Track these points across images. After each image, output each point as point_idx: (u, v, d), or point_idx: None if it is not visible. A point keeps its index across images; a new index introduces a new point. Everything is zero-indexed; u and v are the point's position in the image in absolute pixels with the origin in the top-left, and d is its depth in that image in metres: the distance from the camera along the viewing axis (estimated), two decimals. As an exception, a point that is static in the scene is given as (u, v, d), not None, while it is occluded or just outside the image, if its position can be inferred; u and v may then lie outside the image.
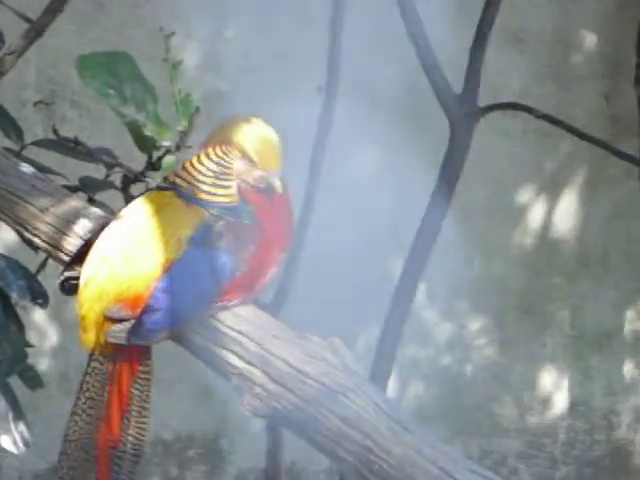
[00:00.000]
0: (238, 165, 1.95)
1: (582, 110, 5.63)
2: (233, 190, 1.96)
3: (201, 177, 1.95)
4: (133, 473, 2.12)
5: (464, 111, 3.56)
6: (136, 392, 2.04)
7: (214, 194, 1.96)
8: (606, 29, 5.77)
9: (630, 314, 6.10)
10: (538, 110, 4.01)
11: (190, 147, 2.39)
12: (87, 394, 2.03)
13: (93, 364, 2.02)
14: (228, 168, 1.96)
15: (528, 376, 5.87)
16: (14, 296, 2.68)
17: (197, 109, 2.48)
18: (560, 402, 5.95)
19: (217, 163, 1.96)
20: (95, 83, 2.43)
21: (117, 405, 2.03)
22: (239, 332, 1.97)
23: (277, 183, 1.95)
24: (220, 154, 1.95)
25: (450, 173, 3.70)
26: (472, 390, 5.66)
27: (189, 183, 1.97)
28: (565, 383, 5.93)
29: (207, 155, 1.97)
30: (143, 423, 2.09)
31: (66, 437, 2.08)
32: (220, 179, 1.96)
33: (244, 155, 1.93)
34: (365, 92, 4.68)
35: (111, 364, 2.00)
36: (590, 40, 5.68)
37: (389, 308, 4.02)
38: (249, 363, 1.94)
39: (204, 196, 1.94)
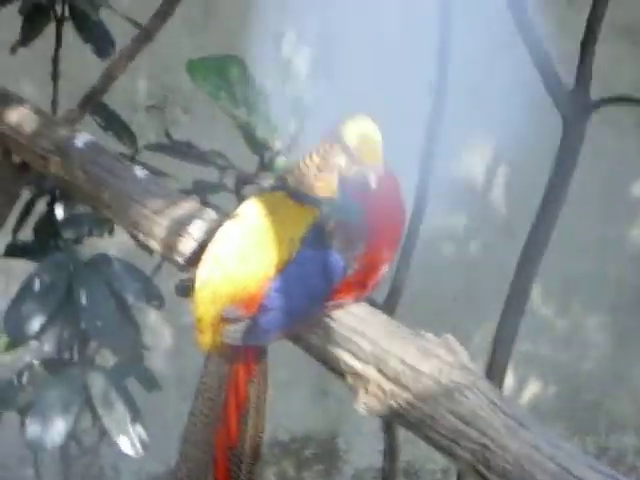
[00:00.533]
0: (339, 160, 1.94)
1: (698, 103, 5.31)
2: (333, 185, 1.96)
3: (307, 172, 1.96)
4: (252, 474, 2.12)
5: (577, 106, 3.53)
6: (253, 392, 2.04)
7: (314, 187, 1.96)
8: None
9: None
10: (651, 103, 3.96)
11: (301, 148, 2.40)
12: (205, 395, 2.03)
13: (210, 365, 2.02)
14: (330, 162, 1.95)
15: (646, 372, 5.79)
16: (130, 298, 2.71)
17: (307, 110, 2.49)
18: (679, 398, 5.81)
19: (321, 158, 1.95)
20: (207, 86, 2.45)
21: (234, 406, 2.04)
22: (353, 331, 1.97)
23: (372, 178, 1.92)
24: (325, 150, 1.95)
25: (563, 169, 3.64)
26: (589, 387, 5.55)
27: (299, 182, 1.97)
28: (683, 379, 5.80)
29: (315, 152, 1.98)
30: (260, 423, 2.10)
31: (184, 439, 2.10)
32: (322, 172, 1.95)
33: (345, 149, 1.92)
34: (475, 89, 4.64)
35: (228, 365, 2.00)
36: None
37: (504, 306, 3.89)
38: (364, 362, 1.94)
39: (307, 191, 1.95)
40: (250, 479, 2.12)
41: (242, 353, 2.01)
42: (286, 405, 4.17)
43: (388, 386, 1.92)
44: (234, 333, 1.94)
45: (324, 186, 1.95)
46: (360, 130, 1.93)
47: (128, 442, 2.76)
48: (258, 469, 2.16)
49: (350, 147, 1.91)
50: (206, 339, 2.00)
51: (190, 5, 2.99)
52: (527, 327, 4.22)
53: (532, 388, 5.04)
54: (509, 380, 4.35)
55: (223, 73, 2.47)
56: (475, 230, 4.75)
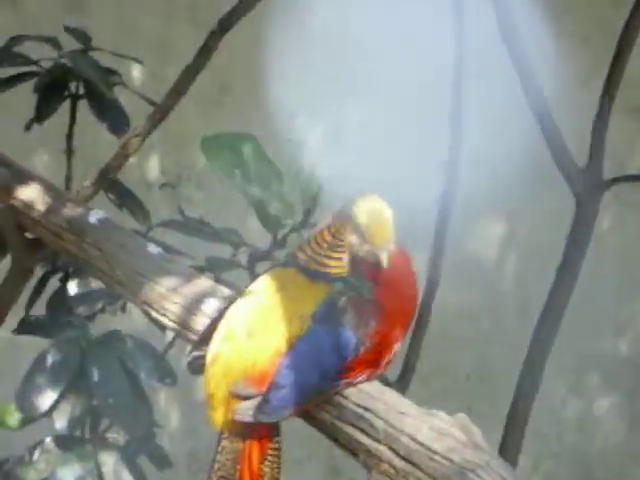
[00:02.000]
0: (350, 239, 1.98)
1: None
2: (345, 262, 1.98)
3: (318, 249, 1.97)
4: None
5: (590, 184, 3.54)
6: (267, 470, 2.04)
7: (326, 265, 1.98)
8: None
9: None
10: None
11: (315, 225, 2.40)
12: (219, 473, 2.04)
13: (223, 442, 2.02)
14: (341, 241, 1.98)
15: (661, 453, 5.72)
16: (142, 376, 2.71)
17: (320, 187, 2.49)
18: (695, 476, 5.72)
19: (333, 236, 1.99)
20: (220, 163, 2.46)
21: (250, 478, 2.04)
22: (365, 409, 1.97)
23: (384, 257, 1.94)
24: (336, 228, 1.99)
25: (576, 247, 3.65)
26: (603, 467, 5.49)
27: (311, 258, 1.98)
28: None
29: (327, 230, 2.00)
30: None
31: None
32: (333, 251, 1.98)
33: (356, 229, 1.95)
34: (488, 166, 4.62)
35: (241, 442, 2.00)
36: None
37: (517, 384, 3.91)
38: (376, 440, 1.94)
39: (319, 268, 1.96)
40: None
41: (255, 430, 2.01)
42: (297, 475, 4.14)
43: (400, 464, 1.92)
44: (246, 410, 1.95)
45: (336, 264, 1.97)
46: (370, 209, 1.97)
47: (136, 515, 2.76)
48: None
49: (361, 226, 1.95)
50: (218, 416, 2.00)
51: (204, 82, 3.00)
52: (541, 405, 4.23)
53: (546, 467, 5.04)
54: (523, 459, 4.35)
55: (236, 150, 2.47)
56: (488, 309, 4.79)
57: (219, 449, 2.03)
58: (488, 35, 3.57)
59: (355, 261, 1.96)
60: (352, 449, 1.99)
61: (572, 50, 4.71)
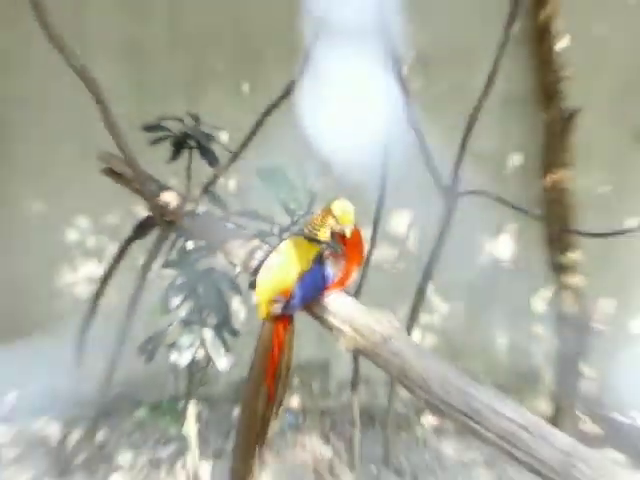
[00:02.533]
0: (330, 221, 2.09)
1: None
2: (327, 234, 2.09)
3: (315, 227, 2.10)
4: (286, 383, 2.21)
5: (450, 195, 3.41)
6: (287, 338, 2.14)
7: (318, 235, 2.10)
8: None
9: None
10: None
11: (312, 213, 2.49)
12: (261, 340, 2.14)
13: (264, 325, 2.13)
14: (325, 222, 2.09)
15: None
16: (223, 289, 2.79)
17: (315, 195, 2.59)
18: None
19: (321, 219, 2.10)
20: (266, 183, 2.55)
21: (278, 345, 2.13)
22: (338, 307, 2.08)
23: (348, 232, 2.06)
24: (324, 215, 2.10)
25: (443, 231, 3.57)
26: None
27: (310, 231, 2.11)
28: None
29: (319, 216, 2.12)
30: (291, 354, 2.19)
31: (251, 365, 2.19)
32: (321, 227, 2.10)
33: (333, 216, 2.07)
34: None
35: (274, 324, 2.12)
36: None
37: (417, 287, 3.76)
38: (342, 321, 2.03)
39: (314, 236, 2.09)
40: (284, 384, 2.21)
41: (282, 318, 2.12)
42: (300, 344, 4.17)
43: (356, 336, 2.01)
44: (277, 308, 2.08)
45: (323, 234, 2.10)
46: (341, 206, 2.09)
47: (223, 363, 2.83)
48: (289, 380, 2.27)
49: (336, 215, 2.08)
50: (262, 311, 2.11)
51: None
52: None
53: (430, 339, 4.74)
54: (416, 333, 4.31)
55: (274, 175, 2.57)
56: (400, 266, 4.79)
57: (262, 329, 2.14)
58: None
59: (333, 233, 2.09)
60: (329, 327, 2.09)
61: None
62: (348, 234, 2.06)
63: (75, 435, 3.91)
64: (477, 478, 3.99)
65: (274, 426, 2.27)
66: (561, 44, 3.89)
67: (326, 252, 2.08)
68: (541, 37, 3.88)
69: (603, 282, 4.33)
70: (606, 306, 4.39)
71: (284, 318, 2.13)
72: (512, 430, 1.70)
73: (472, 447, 4.21)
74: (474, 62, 3.86)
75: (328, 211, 2.09)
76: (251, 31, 3.81)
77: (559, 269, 4.08)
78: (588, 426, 4.46)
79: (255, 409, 2.18)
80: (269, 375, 2.16)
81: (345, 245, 2.11)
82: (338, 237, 2.10)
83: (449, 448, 4.22)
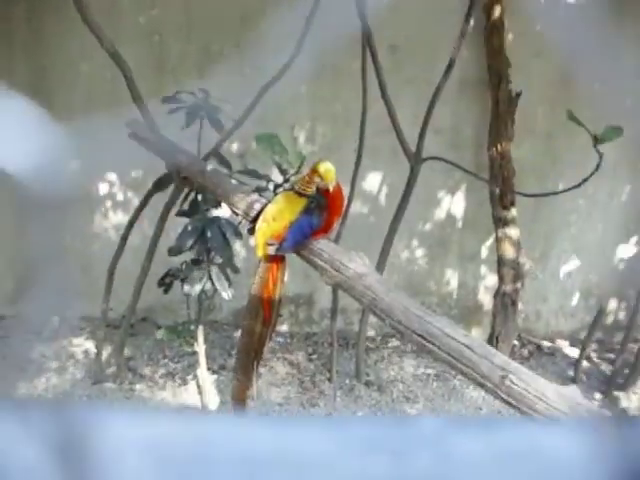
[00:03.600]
0: (316, 178, 2.04)
1: None
2: (313, 189, 2.04)
3: (303, 184, 2.07)
4: (279, 311, 2.25)
5: (415, 160, 3.48)
6: (279, 274, 2.14)
7: (305, 190, 2.05)
8: None
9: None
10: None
11: (302, 173, 2.47)
12: (258, 277, 2.14)
13: (261, 264, 2.13)
14: (312, 180, 2.05)
15: None
16: (228, 234, 2.79)
17: (304, 157, 2.57)
18: None
19: (308, 177, 2.06)
20: (262, 146, 2.52)
21: (272, 280, 2.13)
22: (320, 249, 2.06)
23: (330, 187, 2.02)
24: (310, 174, 2.05)
25: (406, 195, 3.58)
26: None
27: (300, 187, 2.08)
28: None
29: (307, 175, 2.08)
30: (282, 288, 2.19)
31: (249, 296, 2.21)
32: (309, 183, 2.05)
33: (317, 174, 2.04)
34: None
35: (269, 263, 2.12)
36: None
37: (387, 233, 3.73)
38: (324, 262, 2.03)
39: (303, 191, 2.07)
40: (277, 311, 2.23)
41: (276, 258, 2.11)
42: (290, 280, 4.19)
43: (335, 273, 2.00)
44: (272, 250, 2.05)
45: (310, 189, 2.06)
46: (325, 166, 2.04)
47: (226, 294, 2.84)
48: (281, 308, 2.27)
49: (321, 173, 2.03)
50: (259, 252, 2.10)
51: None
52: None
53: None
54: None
55: (270, 140, 2.55)
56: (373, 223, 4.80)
57: (260, 266, 2.14)
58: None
59: (318, 189, 2.07)
60: (315, 265, 2.08)
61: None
62: (331, 189, 2.04)
63: (106, 351, 3.94)
64: (432, 389, 4.05)
65: (268, 345, 2.29)
66: (509, 36, 3.89)
67: (312, 204, 2.06)
68: (493, 30, 3.86)
69: (534, 233, 4.39)
70: (535, 252, 4.44)
71: (277, 258, 2.12)
72: (460, 350, 1.71)
73: (428, 365, 4.26)
74: (436, 50, 3.86)
75: (314, 171, 2.06)
76: (253, 18, 3.75)
77: (500, 223, 4.10)
78: (520, 349, 4.53)
79: (253, 331, 2.19)
80: (265, 304, 2.16)
81: (328, 199, 2.10)
82: (323, 192, 2.08)
83: (409, 366, 4.27)
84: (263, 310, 2.17)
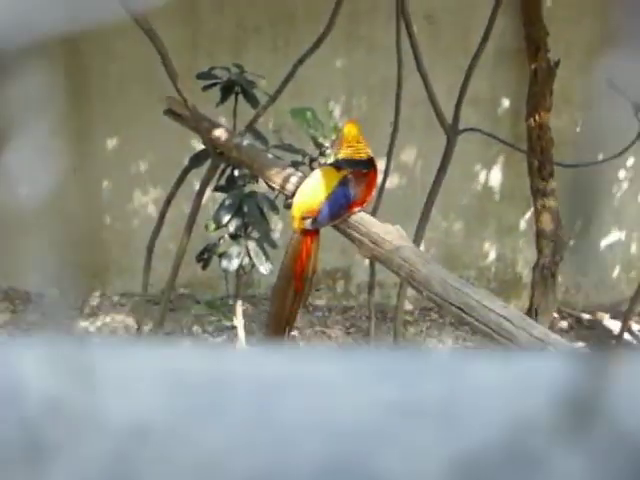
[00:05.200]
0: (344, 146, 2.08)
1: None
2: (343, 152, 2.11)
3: (337, 155, 2.08)
4: (311, 285, 2.28)
5: (452, 131, 3.43)
6: (314, 248, 2.16)
7: (338, 156, 2.09)
8: None
9: None
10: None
11: (336, 146, 2.47)
12: (291, 248, 2.17)
13: (295, 236, 2.15)
14: (340, 145, 2.10)
15: None
16: (265, 209, 2.79)
17: (340, 131, 2.56)
18: None
19: (338, 144, 2.09)
20: (298, 120, 2.52)
21: (306, 253, 2.15)
22: (356, 222, 2.08)
23: (341, 148, 2.13)
24: (337, 138, 2.09)
25: (444, 164, 3.40)
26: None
27: (336, 161, 2.09)
28: None
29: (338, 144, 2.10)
30: (316, 261, 2.22)
31: (279, 272, 2.24)
32: (340, 150, 2.09)
33: (343, 137, 2.12)
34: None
35: (303, 236, 2.13)
36: None
37: (422, 212, 3.90)
38: (361, 235, 2.04)
39: (338, 158, 2.08)
40: (310, 282, 2.24)
41: (310, 232, 2.13)
42: (327, 254, 4.16)
43: (372, 245, 2.02)
44: (307, 224, 2.07)
45: (342, 154, 2.08)
46: (348, 127, 2.14)
47: (264, 269, 2.86)
48: (313, 279, 2.29)
49: (345, 135, 2.10)
50: (295, 225, 2.12)
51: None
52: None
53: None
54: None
55: (305, 115, 2.54)
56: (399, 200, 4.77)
57: (293, 238, 2.16)
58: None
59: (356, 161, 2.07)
60: (352, 239, 2.10)
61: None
62: (343, 147, 2.10)
63: (147, 327, 4.00)
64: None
65: (299, 315, 2.39)
66: (547, 3, 3.82)
67: (349, 176, 2.06)
68: (530, -2, 3.80)
69: (574, 205, 4.32)
70: (576, 225, 4.38)
71: (313, 232, 2.13)
72: (499, 322, 1.71)
73: (467, 338, 4.25)
74: (472, 19, 3.81)
75: (341, 134, 2.09)
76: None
77: (539, 194, 4.06)
78: (559, 322, 4.50)
79: (284, 300, 2.22)
80: (297, 275, 2.18)
81: (366, 178, 2.10)
82: (362, 174, 2.08)
83: (448, 338, 4.27)
84: (295, 280, 2.19)
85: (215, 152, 2.78)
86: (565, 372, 0.25)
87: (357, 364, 0.28)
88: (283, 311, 2.25)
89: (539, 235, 4.10)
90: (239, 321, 3.35)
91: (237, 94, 2.83)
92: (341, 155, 2.08)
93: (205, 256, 3.00)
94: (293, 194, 2.16)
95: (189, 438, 0.24)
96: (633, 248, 4.51)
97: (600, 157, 3.67)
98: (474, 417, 0.24)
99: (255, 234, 2.87)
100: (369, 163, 2.13)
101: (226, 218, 2.77)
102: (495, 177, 4.31)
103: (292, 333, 2.98)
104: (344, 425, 0.24)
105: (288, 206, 2.20)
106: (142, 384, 0.27)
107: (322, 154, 2.47)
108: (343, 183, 2.05)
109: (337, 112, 4.04)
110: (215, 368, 0.27)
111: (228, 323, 3.41)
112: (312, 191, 2.08)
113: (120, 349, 0.31)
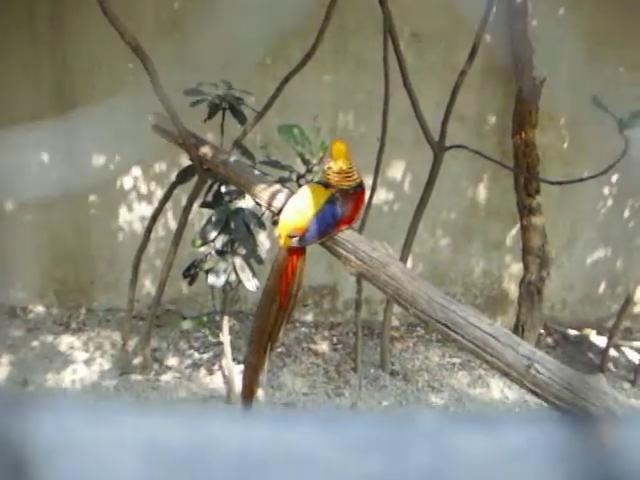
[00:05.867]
0: (330, 162, 2.06)
1: None
2: (336, 177, 2.05)
3: (326, 173, 2.08)
4: (296, 300, 2.26)
5: (438, 148, 3.45)
6: (299, 266, 2.15)
7: (330, 179, 2.06)
8: None
9: None
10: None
11: (324, 163, 2.47)
12: (276, 265, 2.17)
13: (281, 252, 2.14)
14: (328, 163, 2.07)
15: None
16: (252, 225, 2.80)
17: (327, 147, 2.56)
18: None
19: (326, 162, 2.08)
20: (285, 137, 2.51)
21: (291, 271, 2.15)
22: (343, 239, 2.07)
23: (333, 166, 2.05)
24: (325, 156, 2.09)
25: (431, 180, 3.54)
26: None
27: (323, 177, 2.09)
28: None
29: (326, 162, 2.09)
30: (302, 278, 2.21)
31: (265, 288, 2.24)
32: (330, 174, 2.06)
33: (330, 155, 2.07)
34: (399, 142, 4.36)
35: (290, 254, 2.13)
36: None
37: (412, 220, 3.81)
38: (348, 251, 2.03)
39: (329, 181, 2.07)
40: (295, 298, 2.24)
41: (297, 250, 2.13)
42: (314, 270, 4.18)
43: (359, 262, 2.01)
44: (294, 242, 2.08)
45: (333, 178, 2.06)
46: (336, 145, 2.07)
47: (251, 285, 2.86)
48: (299, 295, 2.28)
49: (332, 154, 2.07)
50: (281, 242, 2.11)
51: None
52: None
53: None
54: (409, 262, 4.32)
55: (292, 131, 2.54)
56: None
57: (279, 254, 2.16)
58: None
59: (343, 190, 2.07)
60: (338, 256, 2.09)
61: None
62: (334, 167, 2.05)
63: (132, 343, 3.97)
64: (457, 378, 4.04)
65: (283, 333, 2.33)
66: (533, 22, 3.84)
67: (336, 195, 2.05)
68: (516, 16, 3.81)
69: (559, 221, 4.35)
70: (560, 240, 4.40)
71: (299, 249, 2.13)
72: (485, 339, 1.71)
73: (453, 354, 4.24)
74: (458, 37, 3.83)
75: (329, 152, 2.09)
76: (274, 10, 3.73)
77: (525, 211, 4.07)
78: (545, 338, 4.50)
79: (268, 315, 2.22)
80: (282, 291, 2.18)
81: (355, 195, 2.10)
82: (353, 195, 2.09)
83: (434, 355, 4.26)
84: (280, 297, 2.20)
85: (202, 168, 2.78)
86: (555, 441, 0.24)
87: (343, 433, 0.27)
88: (267, 327, 2.25)
89: (525, 251, 4.11)
90: (225, 337, 3.33)
91: (224, 110, 2.84)
92: (332, 181, 2.06)
93: (192, 272, 2.99)
94: (280, 211, 2.16)
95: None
96: (618, 264, 4.52)
97: (586, 174, 3.70)
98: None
99: (242, 250, 2.87)
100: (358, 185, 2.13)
101: (213, 234, 2.77)
102: (481, 193, 4.32)
103: (276, 349, 2.96)
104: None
105: (275, 223, 2.19)
106: (125, 454, 0.26)
107: (309, 171, 2.47)
108: (331, 201, 2.03)
109: (324, 128, 4.04)
110: (197, 438, 0.26)
111: (214, 339, 3.38)
112: (300, 209, 2.06)
113: (103, 417, 0.30)
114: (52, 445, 0.26)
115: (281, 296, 2.19)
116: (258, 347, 2.30)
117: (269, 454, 0.26)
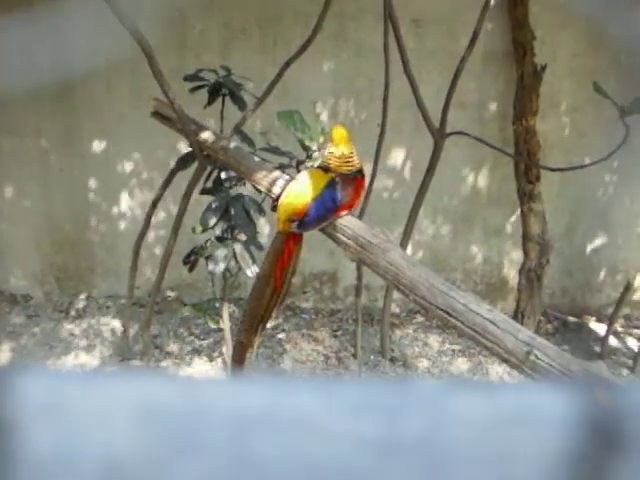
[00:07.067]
0: (331, 147, 2.06)
1: None
2: (336, 162, 2.06)
3: (326, 158, 2.07)
4: (290, 283, 2.28)
5: (439, 135, 3.44)
6: (296, 251, 2.17)
7: (329, 164, 2.07)
8: None
9: None
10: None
11: (323, 148, 2.47)
12: (272, 248, 2.19)
13: (278, 236, 2.16)
14: (328, 148, 2.07)
15: None
16: (252, 211, 2.79)
17: (327, 133, 2.55)
18: None
19: (327, 152, 2.08)
20: (285, 123, 2.50)
21: (288, 252, 2.16)
22: (343, 225, 2.07)
23: (334, 151, 2.06)
24: (325, 142, 2.10)
25: (431, 166, 3.54)
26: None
27: (323, 162, 2.08)
28: None
29: (326, 146, 2.09)
30: (297, 262, 2.23)
31: (260, 269, 2.25)
32: (330, 158, 2.07)
33: (330, 140, 2.08)
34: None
35: (287, 238, 2.13)
36: None
37: (410, 214, 3.83)
38: (348, 238, 2.04)
39: (328, 165, 2.06)
40: (289, 282, 2.26)
41: (294, 235, 2.14)
42: (314, 257, 4.18)
43: (359, 249, 2.01)
44: (294, 227, 2.07)
45: (334, 163, 2.06)
46: (337, 129, 2.09)
47: (250, 272, 2.85)
48: (292, 279, 2.29)
49: (333, 139, 2.08)
50: (280, 227, 2.12)
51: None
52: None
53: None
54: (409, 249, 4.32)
55: (292, 117, 2.53)
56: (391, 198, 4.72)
57: (275, 240, 2.18)
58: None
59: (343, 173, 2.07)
60: (338, 242, 2.09)
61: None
62: (335, 152, 2.05)
63: (133, 329, 3.98)
64: (457, 365, 4.05)
65: (275, 313, 2.37)
66: (534, 8, 3.82)
67: (336, 179, 2.05)
68: (517, 2, 3.80)
69: (559, 208, 4.34)
70: (560, 227, 4.39)
71: (296, 235, 2.15)
72: (484, 325, 1.71)
73: (453, 341, 4.25)
74: (459, 23, 3.81)
75: (328, 138, 2.09)
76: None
77: (526, 198, 4.07)
78: (545, 325, 4.50)
79: (262, 298, 2.23)
80: (277, 274, 2.19)
81: (355, 180, 2.09)
82: (353, 180, 2.08)
83: (434, 341, 4.27)
84: (274, 280, 2.20)
85: (202, 154, 2.77)
86: (562, 404, 0.24)
87: (338, 396, 0.27)
88: (259, 309, 2.26)
89: (525, 238, 4.11)
90: (225, 323, 3.33)
91: (224, 96, 2.82)
92: (332, 166, 2.06)
93: (192, 259, 2.99)
94: (279, 196, 2.15)
95: (164, 475, 0.23)
96: (618, 251, 4.52)
97: (587, 160, 3.69)
98: (457, 454, 0.24)
99: (242, 237, 2.86)
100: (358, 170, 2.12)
101: (213, 221, 2.77)
102: (482, 180, 4.31)
103: (266, 329, 2.96)
104: (322, 462, 0.23)
105: (275, 208, 2.19)
106: (118, 418, 0.26)
107: (309, 157, 2.46)
108: (331, 185, 2.03)
109: (324, 114, 4.02)
110: (192, 401, 0.26)
111: (214, 326, 3.38)
112: (299, 193, 2.06)
113: (96, 382, 0.30)
114: (44, 408, 0.27)
115: (275, 280, 2.20)
116: (249, 328, 2.31)
117: (264, 418, 0.27)
